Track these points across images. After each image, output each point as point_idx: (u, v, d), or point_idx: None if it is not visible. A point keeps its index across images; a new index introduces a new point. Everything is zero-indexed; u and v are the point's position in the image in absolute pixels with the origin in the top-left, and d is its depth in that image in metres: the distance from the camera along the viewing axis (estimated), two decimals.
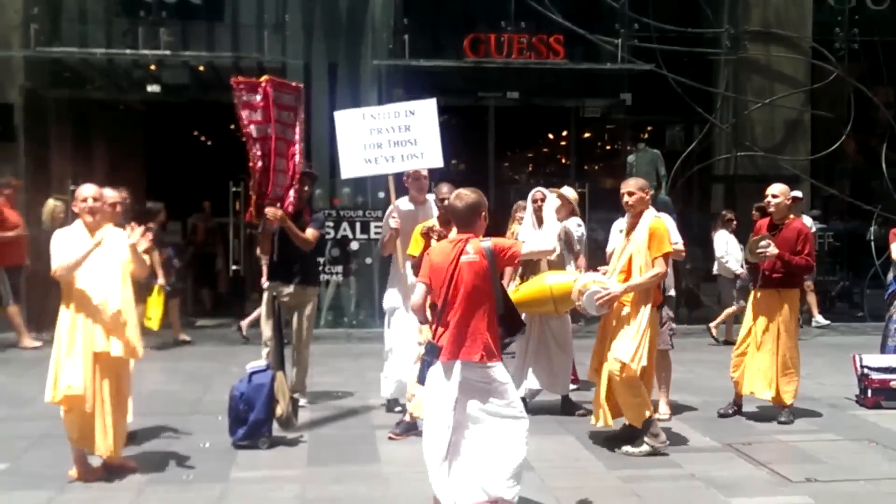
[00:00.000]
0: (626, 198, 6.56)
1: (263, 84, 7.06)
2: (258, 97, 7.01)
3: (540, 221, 7.72)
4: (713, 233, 12.04)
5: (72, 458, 5.85)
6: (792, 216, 7.67)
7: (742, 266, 11.42)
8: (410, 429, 6.82)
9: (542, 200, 7.73)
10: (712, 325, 11.86)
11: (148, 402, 7.15)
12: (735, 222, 11.91)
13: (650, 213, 6.57)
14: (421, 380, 5.09)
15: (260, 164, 7.05)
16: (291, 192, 7.29)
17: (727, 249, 11.71)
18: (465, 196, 5.15)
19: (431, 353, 4.95)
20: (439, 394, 4.91)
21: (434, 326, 5.03)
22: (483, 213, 5.15)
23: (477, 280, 4.94)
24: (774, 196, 7.55)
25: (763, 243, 7.35)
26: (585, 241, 8.47)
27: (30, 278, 11.35)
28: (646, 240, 6.41)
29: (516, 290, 7.26)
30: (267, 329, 7.54)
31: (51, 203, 11.66)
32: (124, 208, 11.18)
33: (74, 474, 5.84)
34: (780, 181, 8.19)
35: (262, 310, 7.75)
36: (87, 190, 5.87)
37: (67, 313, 5.73)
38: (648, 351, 6.38)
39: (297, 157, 7.29)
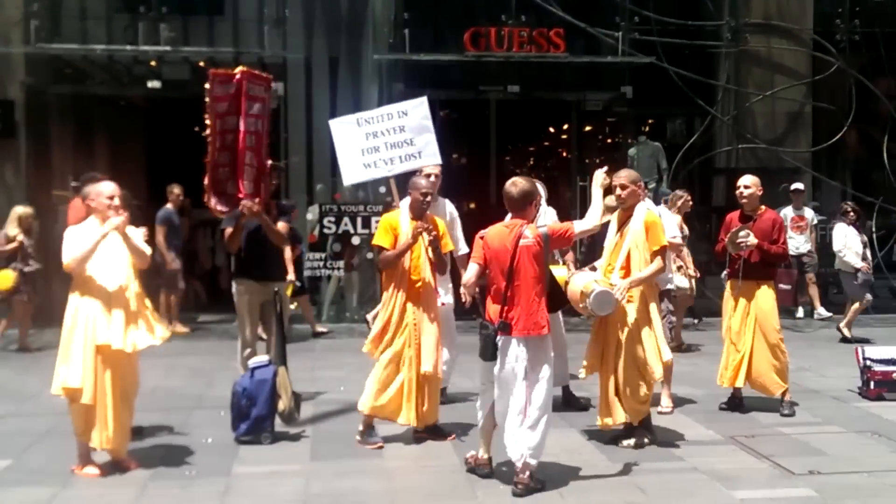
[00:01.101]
0: (618, 191, 6.51)
1: (238, 76, 6.85)
2: (231, 89, 6.82)
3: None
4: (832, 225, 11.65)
5: (76, 452, 5.89)
6: (763, 207, 7.69)
7: (865, 259, 11.21)
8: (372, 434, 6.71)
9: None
10: (842, 324, 11.41)
11: (150, 397, 7.15)
12: (853, 214, 11.47)
13: (643, 206, 6.56)
14: (488, 355, 5.53)
15: (217, 157, 6.87)
16: (262, 186, 7.04)
17: (846, 243, 11.24)
18: (519, 184, 5.73)
19: (504, 329, 5.47)
20: (513, 365, 5.49)
21: (498, 305, 5.53)
22: (534, 201, 5.81)
23: (535, 262, 5.52)
24: (746, 187, 7.58)
25: (742, 234, 7.38)
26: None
27: None
28: (643, 234, 6.38)
29: None
30: (247, 330, 7.38)
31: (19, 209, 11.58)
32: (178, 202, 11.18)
33: (77, 468, 5.88)
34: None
35: (241, 310, 7.42)
36: (110, 187, 5.96)
37: (73, 306, 5.78)
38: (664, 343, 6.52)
39: (265, 150, 7.06)
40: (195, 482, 5.78)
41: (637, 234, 6.39)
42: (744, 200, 7.60)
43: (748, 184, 7.59)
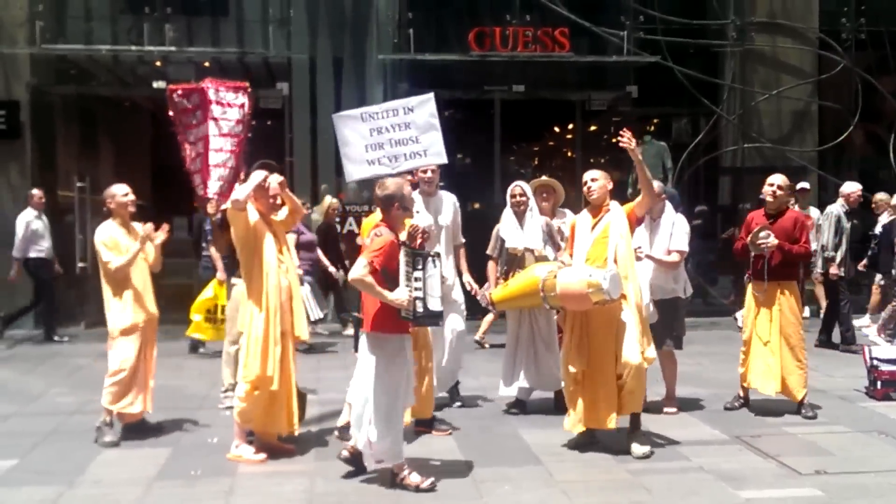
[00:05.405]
0: (590, 184, 6.46)
1: (202, 87, 7.00)
2: (197, 100, 7.02)
3: (520, 217, 7.65)
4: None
5: (255, 443, 6.29)
6: (788, 207, 7.63)
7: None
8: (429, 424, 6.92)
9: (522, 195, 7.65)
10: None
11: (156, 397, 7.14)
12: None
13: (616, 203, 6.50)
14: (356, 348, 5.95)
15: (191, 165, 7.08)
16: (231, 188, 6.98)
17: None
18: (384, 185, 5.80)
19: (356, 324, 5.89)
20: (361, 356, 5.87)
21: None
22: (396, 205, 5.71)
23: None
24: (780, 187, 7.46)
25: (763, 234, 7.28)
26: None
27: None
28: (625, 224, 6.37)
29: (505, 286, 7.10)
30: (234, 327, 7.32)
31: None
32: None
33: (253, 456, 6.20)
34: (788, 172, 8.11)
35: (231, 304, 7.48)
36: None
37: (258, 299, 6.14)
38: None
39: (237, 150, 7.04)
40: (200, 481, 5.78)
41: (620, 225, 6.35)
42: (771, 198, 7.47)
43: (781, 183, 7.47)
